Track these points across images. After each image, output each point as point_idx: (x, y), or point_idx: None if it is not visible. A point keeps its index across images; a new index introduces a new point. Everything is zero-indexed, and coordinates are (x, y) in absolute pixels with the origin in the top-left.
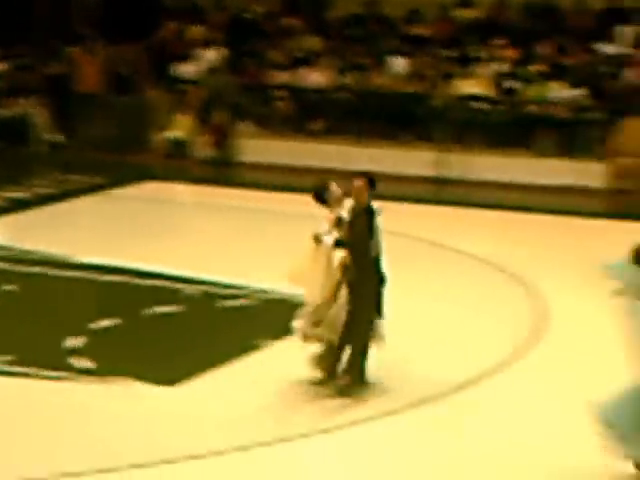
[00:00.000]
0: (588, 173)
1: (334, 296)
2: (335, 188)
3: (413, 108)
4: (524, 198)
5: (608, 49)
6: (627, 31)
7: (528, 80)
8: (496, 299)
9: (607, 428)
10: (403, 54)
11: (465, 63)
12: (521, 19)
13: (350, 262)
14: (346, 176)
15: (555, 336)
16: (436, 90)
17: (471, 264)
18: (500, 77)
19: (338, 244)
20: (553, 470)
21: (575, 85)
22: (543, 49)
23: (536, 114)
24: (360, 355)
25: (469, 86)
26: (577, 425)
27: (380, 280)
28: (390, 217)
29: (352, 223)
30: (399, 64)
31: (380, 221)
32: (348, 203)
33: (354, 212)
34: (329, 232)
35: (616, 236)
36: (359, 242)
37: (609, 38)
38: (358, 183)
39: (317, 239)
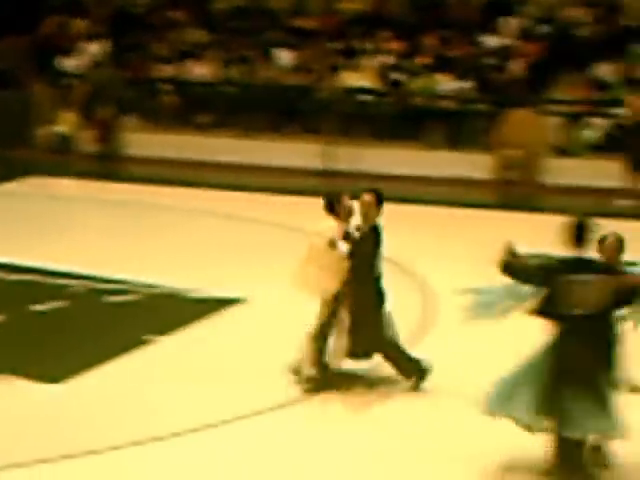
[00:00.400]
0: (475, 164)
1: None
2: (347, 201)
3: (299, 101)
4: (412, 190)
5: (492, 41)
6: (511, 23)
7: (414, 72)
8: (389, 292)
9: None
10: (289, 47)
11: (351, 55)
12: (405, 12)
13: (352, 279)
14: (234, 170)
15: (444, 328)
16: (322, 83)
17: None
18: (386, 69)
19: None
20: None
21: (460, 77)
22: (428, 41)
23: (423, 106)
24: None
25: (355, 78)
26: (465, 413)
27: (381, 299)
28: (278, 210)
29: (359, 240)
30: (285, 57)
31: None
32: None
33: (361, 229)
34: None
35: (503, 226)
36: (364, 260)
37: (493, 30)
38: (366, 198)
39: (332, 244)
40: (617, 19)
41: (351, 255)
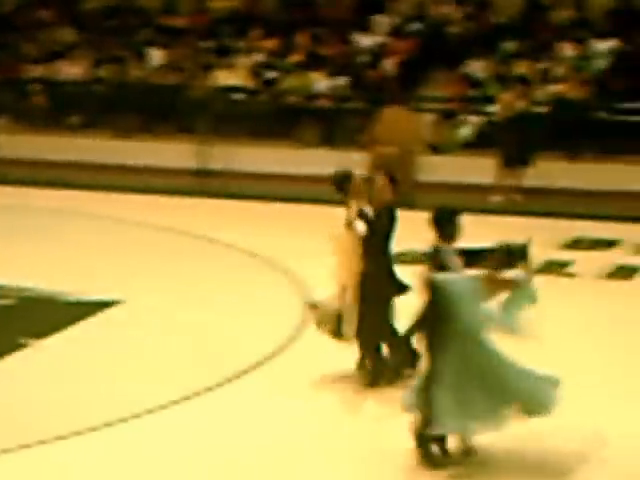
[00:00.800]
0: (350, 162)
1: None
2: (358, 179)
3: (172, 100)
4: (288, 188)
5: (365, 39)
6: (383, 21)
7: (287, 70)
8: (261, 291)
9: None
10: (160, 46)
11: (223, 54)
12: (277, 10)
13: (365, 257)
14: (107, 171)
15: None
16: (194, 82)
17: (235, 256)
18: (259, 68)
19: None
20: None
21: (334, 75)
22: (300, 39)
23: (297, 104)
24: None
25: (228, 77)
26: (339, 413)
27: (393, 278)
28: (152, 210)
29: (374, 219)
30: (156, 56)
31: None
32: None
33: (375, 210)
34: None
35: None
36: (378, 239)
37: (365, 28)
38: (379, 181)
39: (349, 224)
40: (487, 16)
41: (366, 234)
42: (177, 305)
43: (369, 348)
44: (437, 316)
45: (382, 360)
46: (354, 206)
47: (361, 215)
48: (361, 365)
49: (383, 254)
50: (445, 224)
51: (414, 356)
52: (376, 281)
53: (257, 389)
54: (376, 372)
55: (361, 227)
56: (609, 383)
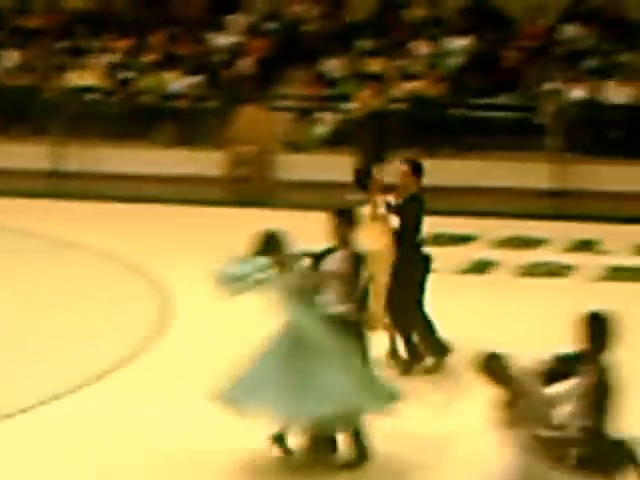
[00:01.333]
0: (207, 162)
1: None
2: (379, 174)
3: (26, 101)
4: (146, 189)
5: (220, 38)
6: (238, 20)
7: (142, 70)
8: (121, 294)
9: (240, 407)
10: (14, 46)
11: (77, 54)
12: (130, 9)
13: (395, 248)
14: None
15: (180, 329)
16: (49, 82)
17: (91, 258)
18: (113, 68)
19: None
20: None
21: (189, 74)
22: (155, 39)
23: (153, 104)
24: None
25: (82, 78)
26: (201, 413)
27: (425, 266)
28: (6, 213)
29: (401, 209)
30: (10, 57)
31: None
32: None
33: (402, 198)
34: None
35: (237, 224)
36: (407, 228)
37: (221, 27)
38: (402, 169)
39: (375, 218)
40: (342, 15)
41: (398, 224)
42: (31, 307)
43: (404, 333)
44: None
45: (414, 348)
46: (379, 200)
47: (389, 207)
48: (393, 354)
49: (412, 241)
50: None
51: (443, 345)
52: (411, 267)
53: (114, 392)
54: (409, 361)
55: (392, 219)
56: None
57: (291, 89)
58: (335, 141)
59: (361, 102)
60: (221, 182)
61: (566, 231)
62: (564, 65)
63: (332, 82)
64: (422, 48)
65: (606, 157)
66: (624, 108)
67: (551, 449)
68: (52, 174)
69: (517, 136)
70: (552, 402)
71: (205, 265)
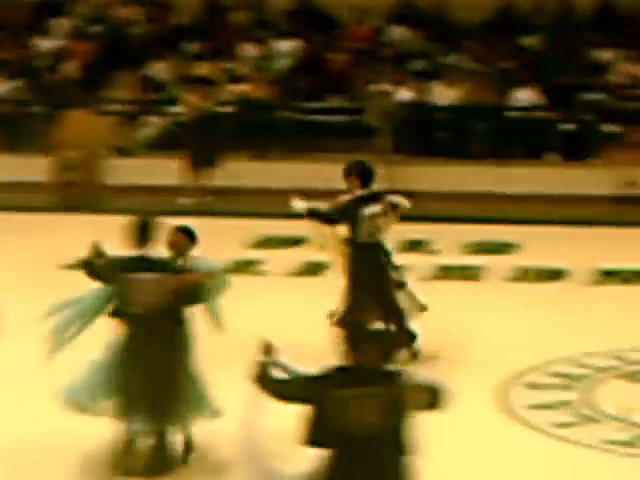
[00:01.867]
0: (33, 167)
1: None
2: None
3: None
4: None
5: (44, 42)
6: (62, 23)
7: None
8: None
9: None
10: None
11: None
12: None
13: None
14: None
15: (9, 338)
16: None
17: None
18: None
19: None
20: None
21: (12, 79)
22: None
23: None
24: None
25: None
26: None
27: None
28: None
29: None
30: None
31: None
32: None
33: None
34: None
35: (66, 229)
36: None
37: (45, 31)
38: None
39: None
40: (168, 17)
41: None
42: None
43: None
44: None
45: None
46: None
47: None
48: None
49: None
50: (146, 233)
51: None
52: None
53: None
54: None
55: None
56: None
57: (117, 93)
58: (164, 145)
59: (189, 105)
60: (47, 188)
61: (396, 231)
62: (391, 67)
63: (159, 86)
64: (249, 50)
65: (433, 157)
66: (450, 109)
67: None
68: None
69: (347, 138)
70: None
71: (33, 273)
